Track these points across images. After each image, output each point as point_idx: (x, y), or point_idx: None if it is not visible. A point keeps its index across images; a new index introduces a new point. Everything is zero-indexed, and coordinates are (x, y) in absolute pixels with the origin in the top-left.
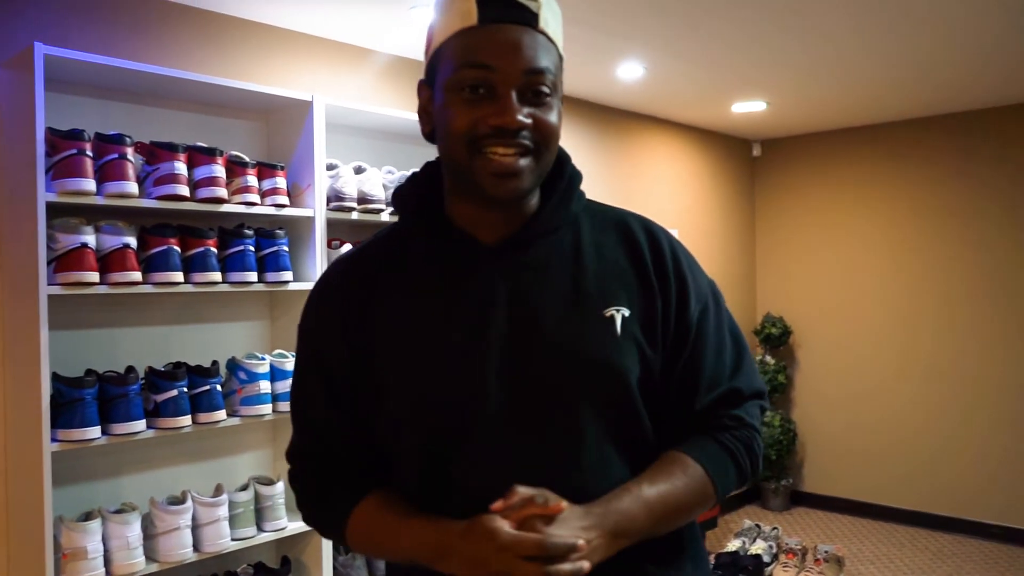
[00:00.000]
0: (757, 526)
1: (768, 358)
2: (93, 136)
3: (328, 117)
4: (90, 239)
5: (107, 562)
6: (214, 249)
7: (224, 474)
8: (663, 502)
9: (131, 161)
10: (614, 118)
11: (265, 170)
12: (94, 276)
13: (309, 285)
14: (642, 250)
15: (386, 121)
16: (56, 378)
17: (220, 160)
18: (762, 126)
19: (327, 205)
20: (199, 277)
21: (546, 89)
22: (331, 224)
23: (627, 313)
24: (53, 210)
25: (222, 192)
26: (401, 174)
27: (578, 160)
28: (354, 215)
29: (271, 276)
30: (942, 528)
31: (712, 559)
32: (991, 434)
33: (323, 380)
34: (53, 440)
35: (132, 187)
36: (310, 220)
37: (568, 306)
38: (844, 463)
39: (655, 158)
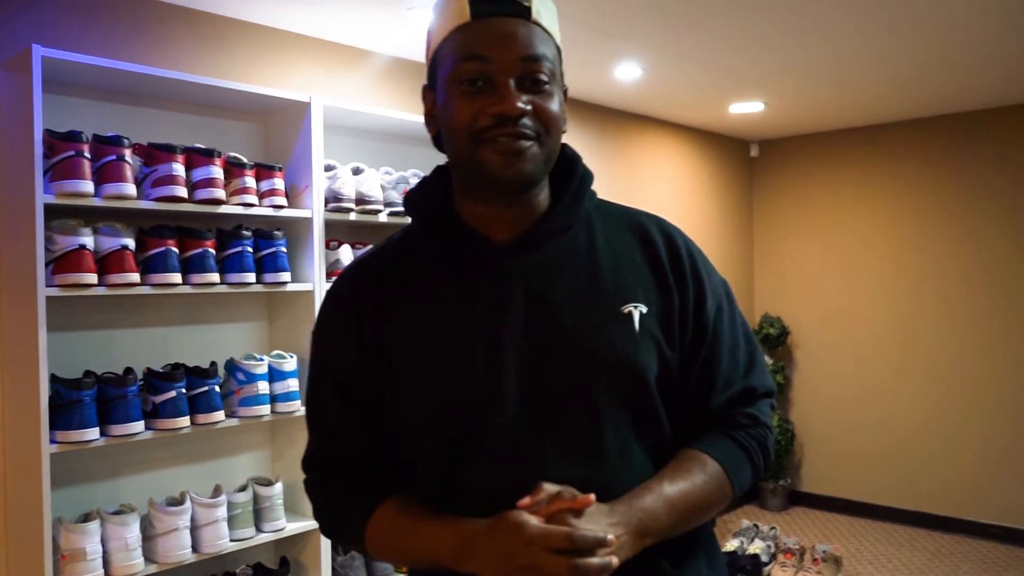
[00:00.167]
0: (755, 526)
1: (766, 358)
2: (91, 138)
3: (326, 118)
4: (88, 240)
5: (106, 563)
6: (212, 250)
7: (223, 475)
8: (684, 500)
9: (129, 163)
10: (612, 119)
11: (263, 171)
12: (92, 277)
13: (307, 286)
14: (658, 249)
15: (384, 122)
16: (55, 379)
17: (218, 161)
18: (760, 127)
19: (325, 206)
20: (197, 278)
21: (544, 77)
22: (329, 225)
23: (644, 310)
24: (51, 212)
25: (220, 193)
26: (399, 175)
27: None
28: (352, 216)
29: (269, 277)
30: (940, 528)
31: None
32: (990, 434)
33: (338, 386)
34: (52, 441)
35: (130, 188)
36: (308, 221)
37: (585, 304)
38: (842, 463)
39: (653, 159)
